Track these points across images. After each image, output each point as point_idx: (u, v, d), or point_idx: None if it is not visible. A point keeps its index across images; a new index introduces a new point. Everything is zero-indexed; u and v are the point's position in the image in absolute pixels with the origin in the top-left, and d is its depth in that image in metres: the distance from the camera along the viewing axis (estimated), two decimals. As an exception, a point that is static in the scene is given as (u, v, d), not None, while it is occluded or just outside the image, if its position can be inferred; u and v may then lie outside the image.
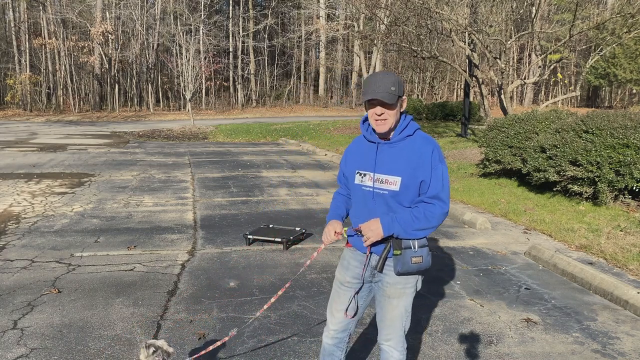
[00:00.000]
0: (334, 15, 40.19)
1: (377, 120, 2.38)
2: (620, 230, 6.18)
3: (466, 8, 13.33)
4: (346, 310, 2.60)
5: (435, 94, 40.46)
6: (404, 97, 2.42)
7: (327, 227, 2.56)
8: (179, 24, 38.21)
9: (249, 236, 5.91)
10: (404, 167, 2.38)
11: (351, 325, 2.65)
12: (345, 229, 2.67)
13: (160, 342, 2.54)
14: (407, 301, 2.52)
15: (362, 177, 2.48)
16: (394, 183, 2.39)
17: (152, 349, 2.49)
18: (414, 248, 2.40)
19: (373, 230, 2.39)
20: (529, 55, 37.21)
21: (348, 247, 2.64)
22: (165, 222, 6.89)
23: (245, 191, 9.12)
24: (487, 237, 6.34)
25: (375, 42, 18.77)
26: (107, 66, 37.50)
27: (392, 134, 2.44)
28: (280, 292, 2.91)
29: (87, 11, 38.80)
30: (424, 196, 2.39)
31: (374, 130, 2.46)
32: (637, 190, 6.97)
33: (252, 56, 42.69)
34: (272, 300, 2.92)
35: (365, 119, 2.58)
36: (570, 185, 7.43)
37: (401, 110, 2.44)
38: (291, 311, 4.10)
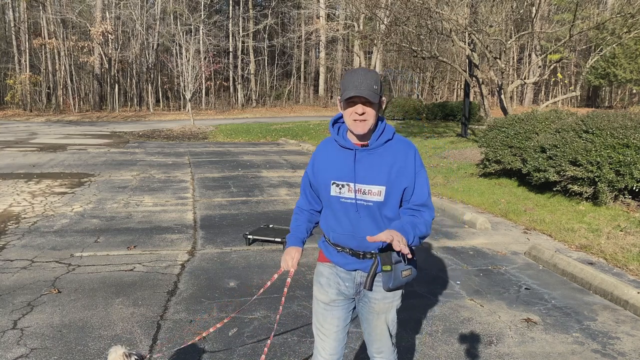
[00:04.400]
0: (334, 15, 40.19)
1: (356, 120, 2.15)
2: (620, 230, 6.18)
3: (466, 8, 13.32)
4: (338, 330, 2.40)
5: (435, 94, 40.41)
6: (383, 98, 2.23)
7: (285, 255, 2.34)
8: (179, 24, 38.22)
9: (248, 236, 5.90)
10: (387, 176, 2.20)
11: (340, 348, 2.45)
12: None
13: (125, 350, 2.43)
14: (394, 311, 2.41)
15: (341, 189, 2.24)
16: (377, 193, 2.20)
17: (133, 358, 2.42)
18: (404, 261, 2.23)
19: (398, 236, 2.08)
20: (529, 55, 37.19)
21: (324, 262, 2.40)
22: (165, 222, 6.89)
23: (245, 191, 9.12)
24: (487, 237, 6.34)
25: (375, 42, 18.77)
26: (107, 66, 37.49)
27: (369, 139, 2.24)
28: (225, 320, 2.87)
29: (87, 11, 38.82)
30: (411, 204, 2.24)
31: (350, 132, 2.24)
32: (637, 190, 6.97)
33: (252, 56, 42.68)
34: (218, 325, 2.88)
35: (335, 121, 2.35)
36: (570, 185, 7.42)
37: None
38: (291, 311, 4.10)
